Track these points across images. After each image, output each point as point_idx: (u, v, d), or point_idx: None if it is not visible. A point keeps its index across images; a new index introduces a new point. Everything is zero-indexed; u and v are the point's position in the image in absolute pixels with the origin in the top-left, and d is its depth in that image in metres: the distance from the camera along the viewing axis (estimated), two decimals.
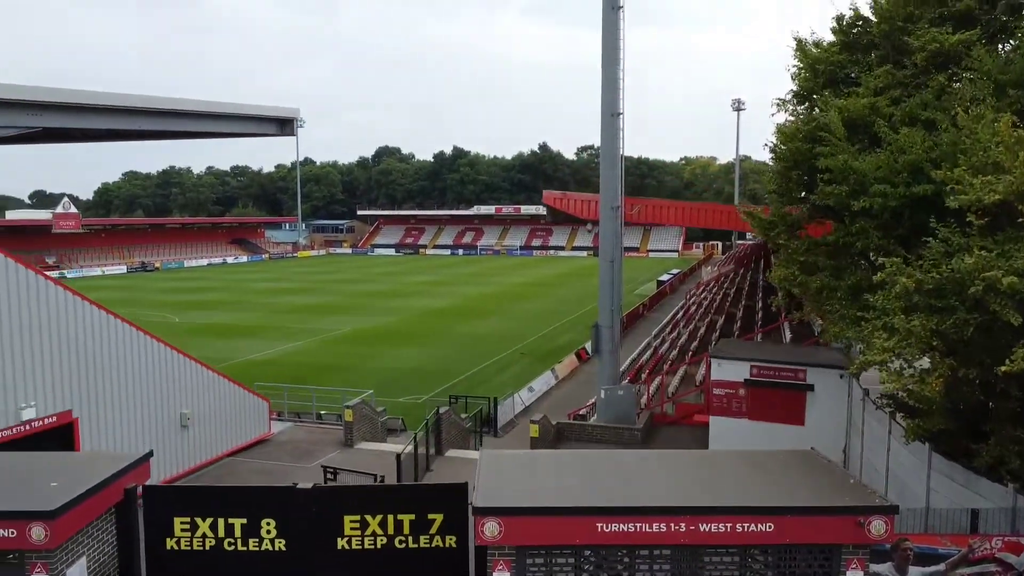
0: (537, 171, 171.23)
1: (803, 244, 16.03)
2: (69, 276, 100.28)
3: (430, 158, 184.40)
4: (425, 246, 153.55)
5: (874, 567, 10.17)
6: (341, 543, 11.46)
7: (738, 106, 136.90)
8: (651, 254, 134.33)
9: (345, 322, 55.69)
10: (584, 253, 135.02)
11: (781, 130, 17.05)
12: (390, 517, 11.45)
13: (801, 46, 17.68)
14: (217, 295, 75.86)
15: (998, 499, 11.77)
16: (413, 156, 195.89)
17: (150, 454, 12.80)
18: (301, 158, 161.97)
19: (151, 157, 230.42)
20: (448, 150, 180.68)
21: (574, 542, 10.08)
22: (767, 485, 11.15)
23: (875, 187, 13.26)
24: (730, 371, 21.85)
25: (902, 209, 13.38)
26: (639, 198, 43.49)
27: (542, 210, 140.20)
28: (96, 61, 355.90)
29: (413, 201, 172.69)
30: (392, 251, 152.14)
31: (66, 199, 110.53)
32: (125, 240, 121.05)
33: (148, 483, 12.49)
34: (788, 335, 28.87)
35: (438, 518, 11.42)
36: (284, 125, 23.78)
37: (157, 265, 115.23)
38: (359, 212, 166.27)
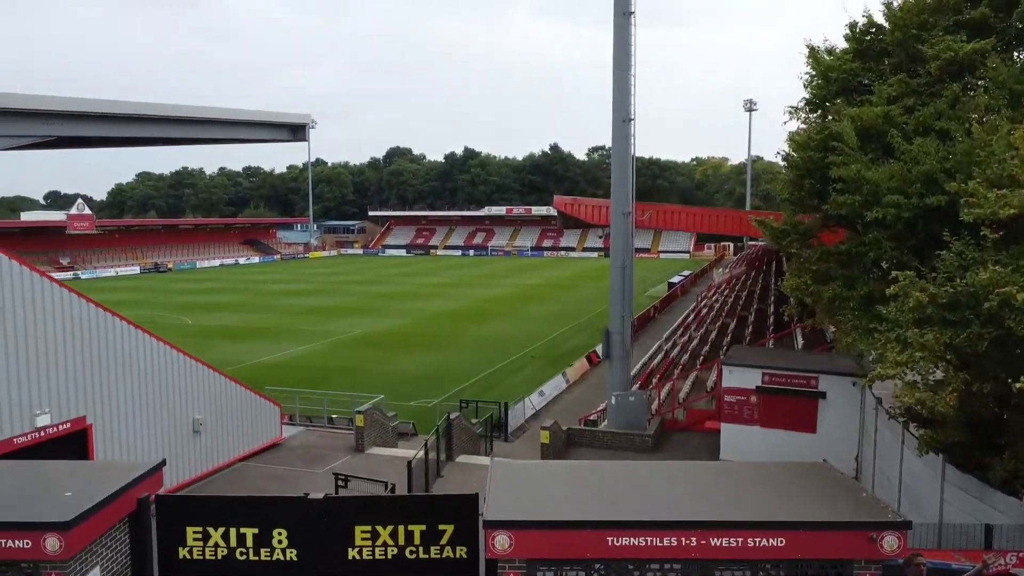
0: (548, 172, 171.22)
1: (815, 253, 15.93)
2: (83, 277, 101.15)
3: (441, 158, 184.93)
4: (436, 247, 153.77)
5: None
6: (352, 553, 11.51)
7: (750, 106, 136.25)
8: (662, 255, 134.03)
9: (356, 324, 55.85)
10: (595, 254, 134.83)
11: (793, 138, 16.96)
12: (401, 527, 11.49)
13: (814, 53, 17.57)
14: (229, 296, 76.25)
15: (1013, 513, 11.66)
16: (424, 157, 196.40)
17: (163, 463, 12.90)
18: (313, 159, 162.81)
19: (164, 158, 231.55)
20: (459, 151, 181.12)
21: (584, 556, 10.08)
22: (779, 499, 11.11)
23: (888, 197, 13.16)
24: (742, 378, 21.75)
25: (916, 220, 13.27)
26: (650, 203, 43.35)
27: (553, 211, 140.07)
28: (110, 61, 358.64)
29: (424, 202, 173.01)
30: (403, 252, 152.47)
31: (80, 200, 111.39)
32: (138, 241, 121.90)
33: (161, 491, 12.65)
34: (800, 341, 28.74)
35: (449, 529, 11.45)
36: (296, 131, 23.87)
37: (170, 266, 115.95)
38: (370, 213, 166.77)
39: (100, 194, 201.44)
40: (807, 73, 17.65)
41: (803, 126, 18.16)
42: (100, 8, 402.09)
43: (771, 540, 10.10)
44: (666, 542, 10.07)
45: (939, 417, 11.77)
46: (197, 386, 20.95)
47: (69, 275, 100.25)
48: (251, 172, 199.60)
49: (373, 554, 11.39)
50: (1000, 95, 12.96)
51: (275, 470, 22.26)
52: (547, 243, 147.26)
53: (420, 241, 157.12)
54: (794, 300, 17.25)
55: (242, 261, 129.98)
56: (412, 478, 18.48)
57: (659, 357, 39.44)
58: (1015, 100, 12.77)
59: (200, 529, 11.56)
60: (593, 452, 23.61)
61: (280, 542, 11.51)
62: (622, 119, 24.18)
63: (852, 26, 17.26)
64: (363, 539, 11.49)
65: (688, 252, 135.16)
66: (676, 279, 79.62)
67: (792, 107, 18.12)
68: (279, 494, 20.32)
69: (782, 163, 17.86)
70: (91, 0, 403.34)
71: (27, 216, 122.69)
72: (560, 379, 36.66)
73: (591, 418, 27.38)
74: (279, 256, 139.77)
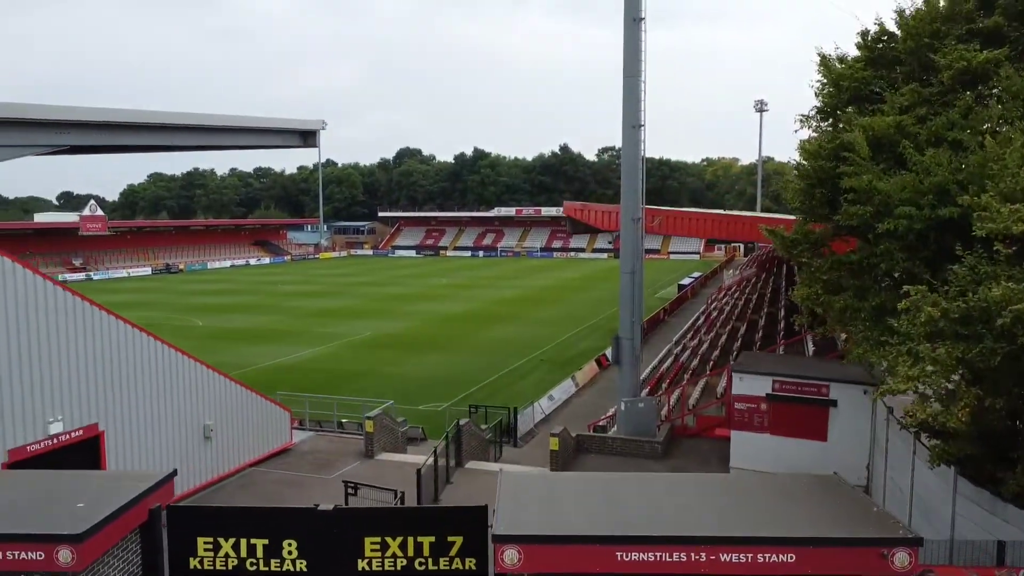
0: (558, 172, 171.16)
1: (826, 263, 15.84)
2: (95, 278, 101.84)
3: (451, 159, 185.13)
4: (446, 247, 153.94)
5: None
6: (361, 564, 11.56)
7: (760, 107, 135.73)
8: (672, 256, 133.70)
9: (366, 326, 56.00)
10: (604, 255, 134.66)
11: (804, 147, 16.87)
12: (410, 539, 11.53)
13: (825, 62, 17.47)
14: (240, 298, 76.58)
15: None
16: (434, 157, 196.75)
17: (173, 473, 12.98)
18: (323, 159, 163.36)
19: (176, 159, 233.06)
20: (469, 151, 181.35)
21: (594, 571, 10.07)
22: (789, 513, 11.07)
23: (900, 209, 13.07)
24: (752, 385, 21.65)
25: (928, 231, 13.17)
26: (660, 208, 43.18)
27: (562, 212, 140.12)
28: (122, 60, 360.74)
29: (434, 202, 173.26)
30: (413, 252, 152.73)
31: (92, 202, 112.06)
32: (150, 242, 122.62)
33: (172, 499, 12.73)
34: (811, 348, 28.61)
35: (458, 541, 11.49)
36: (307, 137, 23.98)
37: (181, 267, 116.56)
38: (380, 213, 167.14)
39: (112, 195, 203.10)
40: (818, 81, 17.56)
41: (814, 134, 18.07)
42: (116, 8, 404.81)
43: (781, 556, 10.06)
44: (675, 557, 10.05)
45: (951, 431, 11.69)
46: (208, 392, 21.04)
47: (81, 276, 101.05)
48: (262, 173, 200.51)
49: (383, 565, 11.44)
50: (1014, 105, 12.86)
51: (285, 476, 22.34)
52: (557, 244, 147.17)
53: (430, 242, 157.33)
54: (805, 310, 17.16)
55: (252, 262, 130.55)
56: (421, 486, 18.50)
57: (669, 361, 39.34)
58: None
59: (211, 539, 11.64)
60: (602, 459, 23.58)
61: (290, 553, 11.57)
62: (632, 125, 24.13)
63: (864, 34, 17.14)
64: (372, 550, 11.54)
65: (698, 253, 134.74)
66: (686, 281, 79.43)
67: (803, 115, 18.04)
68: (289, 500, 20.51)
69: (794, 171, 17.74)
70: (107, 0, 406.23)
71: (40, 217, 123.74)
72: (569, 383, 36.63)
73: (600, 424, 27.34)
74: (289, 257, 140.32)
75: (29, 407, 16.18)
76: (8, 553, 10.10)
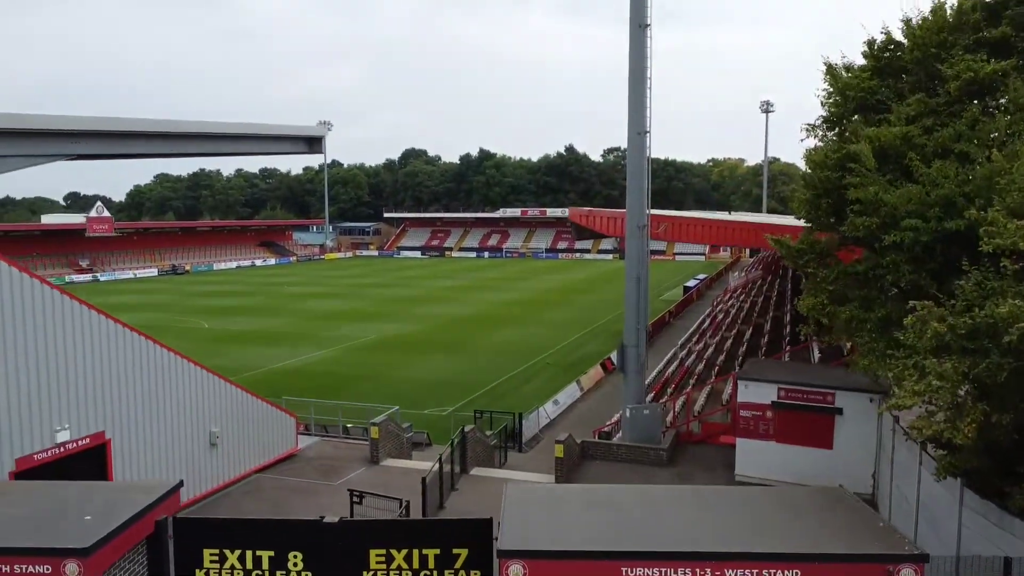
0: (563, 173, 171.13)
1: (832, 273, 15.81)
2: (102, 279, 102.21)
3: (456, 160, 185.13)
4: (451, 248, 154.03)
5: None
6: None
7: (766, 108, 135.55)
8: (677, 257, 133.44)
9: (371, 329, 56.09)
10: (610, 256, 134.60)
11: (810, 157, 16.83)
12: (415, 551, 11.58)
13: (831, 71, 17.41)
14: (245, 299, 76.79)
15: None
16: (439, 158, 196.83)
17: (180, 485, 13.05)
18: (328, 160, 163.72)
19: (182, 160, 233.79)
20: (474, 152, 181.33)
21: None
22: (794, 528, 11.07)
23: (907, 221, 13.03)
24: (757, 393, 21.61)
25: (934, 244, 13.13)
26: (665, 215, 43.09)
27: (568, 212, 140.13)
28: (130, 61, 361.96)
29: (439, 203, 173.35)
30: (418, 253, 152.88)
31: (99, 203, 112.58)
32: (156, 243, 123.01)
33: (178, 509, 12.79)
34: (816, 354, 28.53)
35: (463, 553, 11.52)
36: (313, 143, 24.01)
37: (187, 268, 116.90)
38: (385, 214, 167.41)
39: (119, 195, 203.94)
40: (824, 90, 17.51)
41: (820, 143, 18.03)
42: (124, 9, 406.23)
43: (786, 572, 10.05)
44: (680, 573, 10.04)
45: (957, 445, 11.65)
46: (213, 399, 21.11)
47: (88, 277, 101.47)
48: (267, 174, 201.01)
49: None
50: (1021, 117, 12.80)
51: (291, 482, 22.39)
52: (562, 245, 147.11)
53: (435, 243, 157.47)
54: (811, 320, 17.12)
55: (258, 263, 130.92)
56: (427, 494, 18.53)
57: (674, 365, 39.30)
58: None
59: (217, 551, 11.69)
60: (607, 465, 23.56)
61: (295, 565, 11.62)
62: (637, 131, 24.08)
63: (870, 43, 17.07)
64: (378, 562, 11.59)
65: (704, 254, 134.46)
66: (692, 283, 79.39)
67: (809, 124, 18.00)
68: (295, 507, 20.58)
69: (800, 180, 17.67)
70: (115, 1, 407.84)
71: (47, 218, 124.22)
72: (574, 387, 36.63)
73: (605, 430, 27.34)
74: (295, 258, 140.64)
75: (36, 416, 16.26)
76: (16, 567, 10.16)
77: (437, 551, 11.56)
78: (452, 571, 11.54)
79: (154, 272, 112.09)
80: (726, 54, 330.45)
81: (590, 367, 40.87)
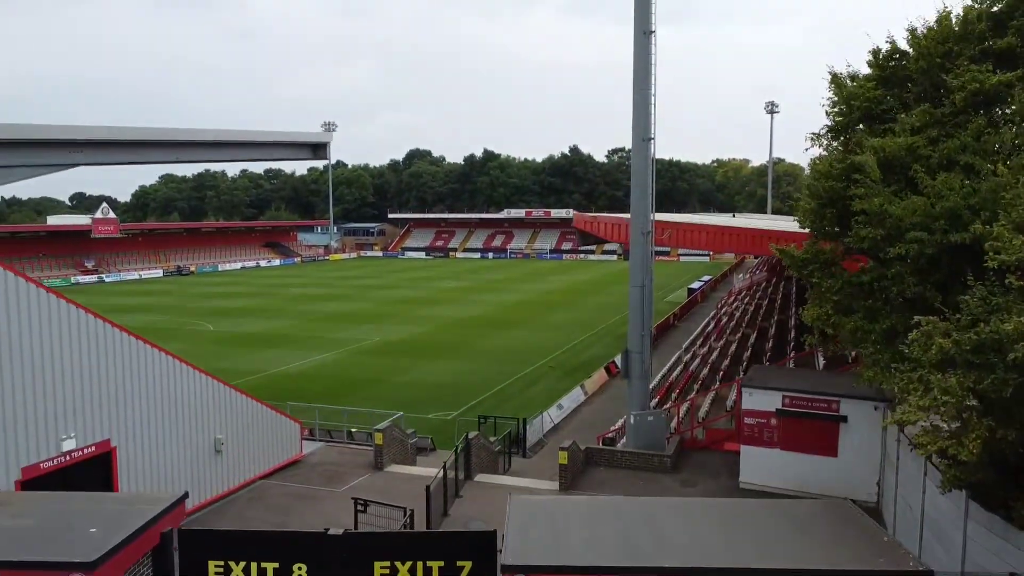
0: (568, 174, 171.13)
1: (837, 283, 15.77)
2: (107, 280, 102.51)
3: (460, 160, 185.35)
4: (455, 249, 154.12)
5: None
6: None
7: (771, 109, 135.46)
8: (682, 258, 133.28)
9: (375, 331, 56.16)
10: (614, 257, 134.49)
11: (815, 167, 16.79)
12: (419, 564, 11.58)
13: (836, 80, 17.37)
14: (250, 301, 76.94)
15: None
16: (443, 159, 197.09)
17: (185, 496, 13.07)
18: (333, 161, 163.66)
19: None
20: (478, 152, 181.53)
21: None
22: (799, 543, 11.04)
23: (911, 234, 12.99)
24: (761, 400, 21.59)
25: (940, 256, 13.10)
26: (669, 221, 43.03)
27: (572, 213, 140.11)
28: (135, 60, 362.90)
29: (443, 204, 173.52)
30: (422, 254, 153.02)
31: (105, 204, 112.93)
32: (161, 244, 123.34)
33: (183, 519, 12.82)
34: (821, 361, 28.49)
35: (467, 566, 11.52)
36: (317, 149, 24.05)
37: (192, 269, 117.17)
38: (390, 215, 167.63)
39: (124, 195, 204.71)
40: (829, 99, 17.47)
41: (824, 153, 18.00)
42: (130, 8, 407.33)
43: None
44: None
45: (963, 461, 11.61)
46: (218, 406, 21.16)
47: (94, 278, 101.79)
48: (272, 174, 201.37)
49: None
50: None
51: (295, 488, 22.44)
52: (566, 246, 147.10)
53: (439, 243, 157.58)
54: (816, 330, 17.08)
55: (263, 264, 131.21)
56: (431, 502, 18.56)
57: (678, 369, 39.26)
58: None
59: (222, 563, 11.71)
60: (611, 472, 23.56)
61: None
62: (642, 138, 24.08)
63: (875, 52, 17.02)
64: (382, 574, 11.61)
65: (708, 255, 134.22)
66: (696, 284, 79.33)
67: (814, 134, 17.95)
68: (299, 513, 20.62)
69: (806, 188, 17.63)
70: (124, 1, 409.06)
71: (53, 219, 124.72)
72: (578, 391, 36.63)
73: (608, 436, 27.32)
74: (299, 259, 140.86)
75: (42, 424, 16.33)
76: None
77: (441, 563, 11.56)
78: None
79: (159, 273, 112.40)
80: (729, 54, 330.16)
81: (594, 371, 40.88)
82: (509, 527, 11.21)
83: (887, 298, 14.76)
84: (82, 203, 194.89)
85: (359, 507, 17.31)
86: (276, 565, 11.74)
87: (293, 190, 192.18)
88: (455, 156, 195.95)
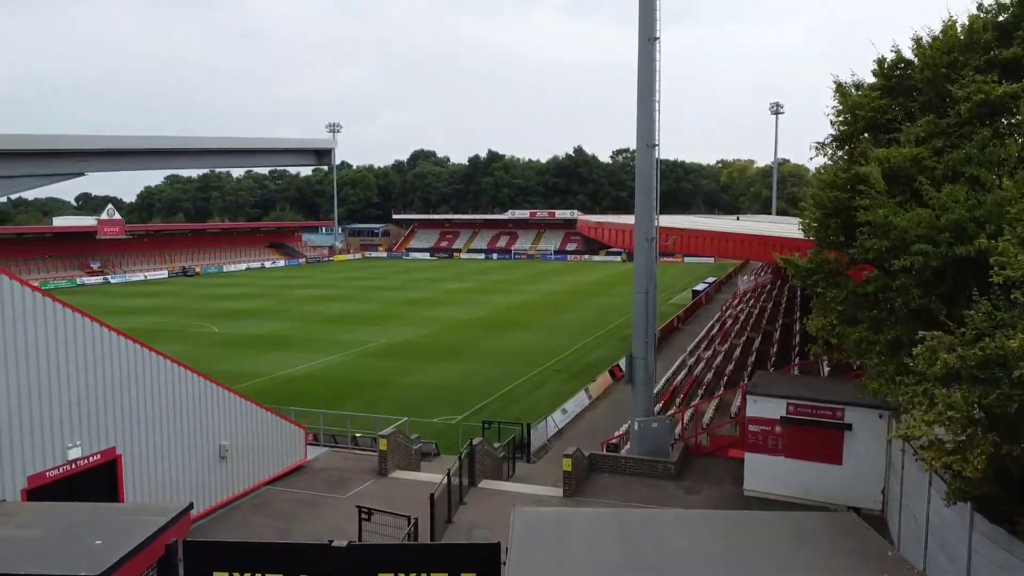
0: (572, 174, 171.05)
1: (842, 293, 15.74)
2: (113, 281, 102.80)
3: (465, 161, 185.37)
4: (460, 250, 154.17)
5: None
6: None
7: (776, 109, 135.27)
8: (686, 259, 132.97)
9: (379, 333, 56.23)
10: (618, 258, 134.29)
11: (819, 176, 16.76)
12: None
13: (841, 88, 17.33)
14: (255, 302, 77.07)
15: None
16: (448, 159, 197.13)
17: (190, 507, 13.11)
18: (337, 161, 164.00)
19: None
20: (483, 153, 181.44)
21: None
22: (803, 558, 11.03)
23: (916, 246, 12.97)
24: (766, 408, 21.55)
25: (945, 268, 13.07)
26: (674, 227, 43.02)
27: (576, 215, 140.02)
28: (138, 59, 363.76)
29: (448, 205, 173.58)
30: (427, 255, 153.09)
31: (110, 205, 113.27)
32: (167, 245, 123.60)
33: (189, 528, 12.86)
34: (826, 368, 28.44)
35: None
36: (322, 155, 24.04)
37: (197, 270, 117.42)
38: (394, 216, 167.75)
39: (130, 196, 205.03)
40: (833, 108, 17.44)
41: (829, 162, 17.97)
42: (130, 8, 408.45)
43: None
44: None
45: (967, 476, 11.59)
46: (222, 412, 21.21)
47: (99, 279, 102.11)
48: (277, 175, 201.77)
49: None
50: None
51: (299, 495, 22.48)
52: (570, 247, 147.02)
53: (444, 244, 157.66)
54: (820, 340, 17.05)
55: (268, 264, 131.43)
56: (435, 510, 18.57)
57: (683, 373, 39.23)
58: None
59: (226, 575, 11.78)
60: (615, 479, 23.55)
61: None
62: (647, 144, 24.06)
63: (880, 61, 16.96)
64: None
65: (713, 256, 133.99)
66: (700, 287, 79.24)
67: (818, 143, 17.92)
68: (303, 520, 20.66)
69: (810, 198, 17.59)
70: (123, 1, 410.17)
71: (59, 221, 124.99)
72: (583, 395, 36.63)
73: (613, 442, 27.32)
74: (304, 259, 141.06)
75: (48, 433, 16.39)
76: None
77: (445, 575, 11.59)
78: None
79: (164, 274, 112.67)
80: (730, 54, 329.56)
81: (599, 374, 40.87)
82: (513, 543, 11.22)
83: (892, 309, 14.72)
84: (88, 204, 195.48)
85: (363, 515, 17.33)
86: None
87: (298, 191, 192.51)
88: (457, 156, 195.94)
